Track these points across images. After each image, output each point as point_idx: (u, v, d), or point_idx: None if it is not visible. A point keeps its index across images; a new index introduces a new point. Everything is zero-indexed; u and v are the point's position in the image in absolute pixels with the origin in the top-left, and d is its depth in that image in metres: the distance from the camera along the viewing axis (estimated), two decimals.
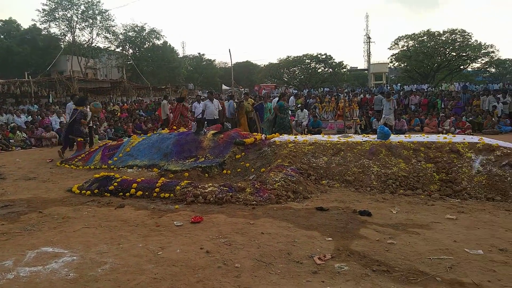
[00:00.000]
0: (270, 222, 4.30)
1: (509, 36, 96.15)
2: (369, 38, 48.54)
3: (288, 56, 47.38)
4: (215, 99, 13.32)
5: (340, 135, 7.76)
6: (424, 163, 5.93)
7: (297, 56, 46.90)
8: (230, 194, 5.24)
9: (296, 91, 31.89)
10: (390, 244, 3.59)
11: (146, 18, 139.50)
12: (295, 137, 7.64)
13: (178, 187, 5.48)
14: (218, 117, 12.69)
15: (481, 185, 5.40)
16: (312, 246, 3.57)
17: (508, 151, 5.76)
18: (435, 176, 5.70)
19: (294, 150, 6.70)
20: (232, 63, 24.65)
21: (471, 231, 3.94)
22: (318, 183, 6.03)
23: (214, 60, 59.02)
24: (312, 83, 44.69)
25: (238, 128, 10.27)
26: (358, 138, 7.23)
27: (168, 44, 44.82)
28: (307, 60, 46.64)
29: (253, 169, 6.70)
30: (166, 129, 10.02)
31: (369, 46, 48.87)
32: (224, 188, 5.38)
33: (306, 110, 15.40)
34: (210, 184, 5.68)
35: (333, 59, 47.09)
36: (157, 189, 5.56)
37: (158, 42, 42.60)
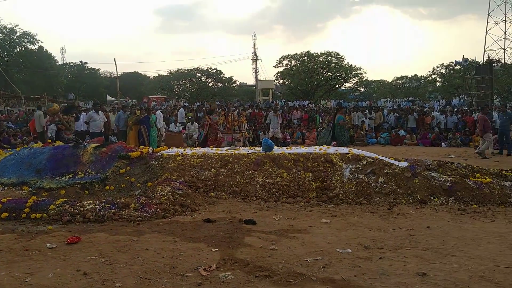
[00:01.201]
0: (155, 237, 4.18)
1: (373, 60, 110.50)
2: (256, 55, 50.95)
3: (179, 69, 47.01)
4: (100, 111, 12.51)
5: (228, 148, 7.95)
6: (303, 173, 6.41)
7: (187, 70, 46.81)
8: (113, 211, 4.94)
9: (186, 104, 31.74)
10: (272, 249, 3.78)
11: (18, 20, 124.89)
12: (184, 150, 7.58)
13: (52, 206, 4.97)
14: (103, 129, 11.93)
15: (351, 191, 6.05)
16: (198, 258, 3.56)
17: (372, 160, 6.58)
18: (312, 184, 6.21)
19: (183, 163, 6.65)
20: (118, 73, 23.49)
21: (342, 233, 4.38)
22: (206, 195, 6.06)
23: (98, 69, 55.48)
24: (203, 96, 44.98)
25: (123, 141, 9.77)
26: (245, 150, 7.50)
27: (44, 50, 40.71)
28: (197, 74, 46.83)
29: (139, 184, 6.44)
30: (39, 142, 9.02)
31: (256, 63, 51.32)
32: (106, 205, 5.06)
33: (197, 123, 15.42)
34: (90, 201, 5.28)
35: (223, 74, 48.23)
36: (26, 209, 4.97)
37: (33, 47, 38.41)
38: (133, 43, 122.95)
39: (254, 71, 51.36)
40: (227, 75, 48.89)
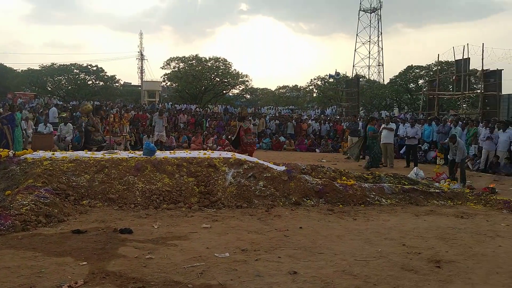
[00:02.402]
0: (11, 254, 3.64)
1: (259, 69, 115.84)
2: (142, 55, 48.83)
3: (53, 64, 42.43)
4: None
5: (105, 151, 7.42)
6: (186, 178, 6.33)
7: (63, 65, 42.55)
8: None
9: (60, 102, 28.84)
10: (148, 259, 3.62)
11: None
12: (53, 154, 6.83)
13: None
14: None
15: (233, 194, 6.17)
16: (62, 274, 3.21)
17: (253, 164, 6.82)
18: (195, 189, 6.17)
19: (51, 168, 5.98)
20: None
21: (222, 237, 4.43)
22: (78, 203, 5.55)
23: None
24: (82, 95, 41.39)
25: None
26: (124, 154, 7.09)
27: None
28: (75, 70, 42.95)
29: None
30: None
31: (142, 63, 49.18)
32: None
33: (71, 124, 14.09)
34: None
35: (105, 72, 45.20)
36: None
37: None
38: None
39: (139, 71, 49.06)
40: (109, 74, 45.94)
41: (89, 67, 43.56)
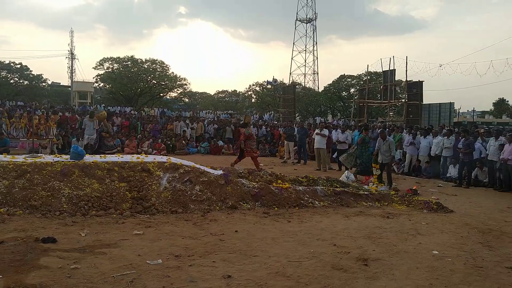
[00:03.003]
0: None
1: (197, 73, 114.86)
2: (72, 54, 46.03)
3: None
4: None
5: (27, 155, 6.86)
6: (117, 183, 6.05)
7: None
8: None
9: None
10: (74, 269, 3.39)
11: None
12: None
13: None
14: None
15: (167, 200, 6.00)
16: None
17: (189, 168, 6.71)
18: (127, 194, 5.91)
19: None
20: None
21: (154, 243, 4.28)
22: None
23: None
24: (3, 94, 38.01)
25: None
26: (49, 158, 6.61)
27: None
28: None
29: None
30: None
31: (73, 62, 46.35)
32: None
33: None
34: None
35: (30, 71, 42.02)
36: None
37: None
38: None
39: (69, 70, 46.20)
40: (35, 72, 42.82)
41: (11, 64, 40.26)
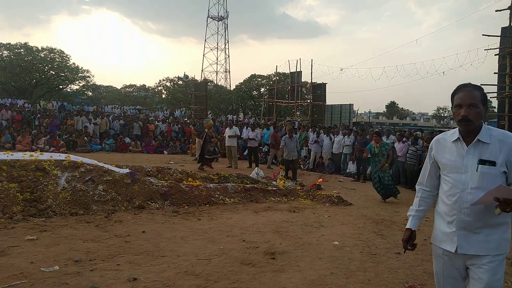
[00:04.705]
0: None
1: (102, 65, 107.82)
2: None
3: None
4: None
5: None
6: (6, 183, 5.40)
7: None
8: None
9: None
10: None
11: None
12: None
13: None
14: None
15: (66, 201, 5.54)
16: None
17: (91, 167, 6.26)
18: (19, 196, 5.32)
19: None
20: None
21: (50, 249, 3.91)
22: None
23: None
24: None
25: None
26: None
27: None
28: None
29: None
30: None
31: None
32: None
33: None
34: None
35: None
36: None
37: None
38: None
39: None
40: None
41: None
